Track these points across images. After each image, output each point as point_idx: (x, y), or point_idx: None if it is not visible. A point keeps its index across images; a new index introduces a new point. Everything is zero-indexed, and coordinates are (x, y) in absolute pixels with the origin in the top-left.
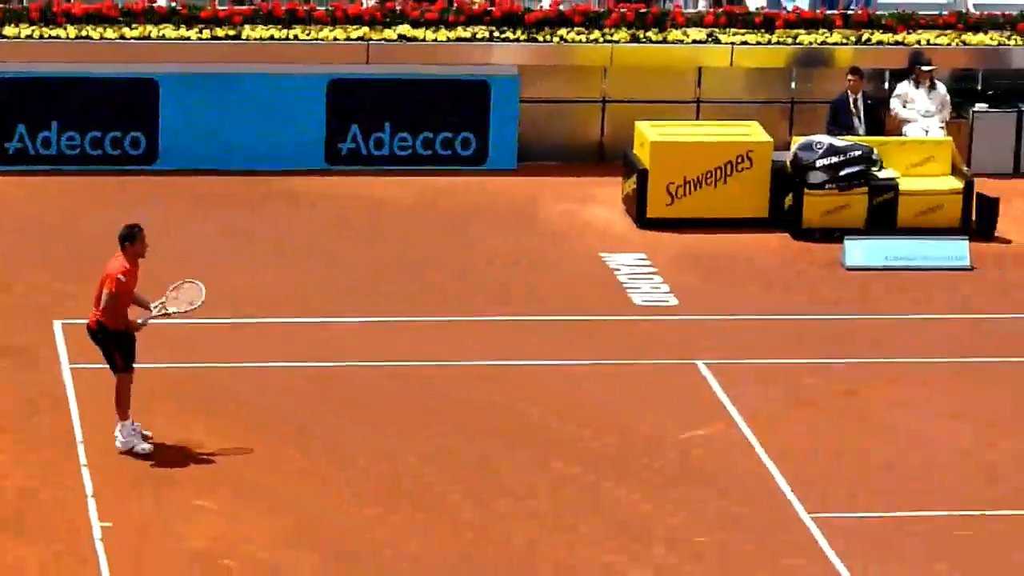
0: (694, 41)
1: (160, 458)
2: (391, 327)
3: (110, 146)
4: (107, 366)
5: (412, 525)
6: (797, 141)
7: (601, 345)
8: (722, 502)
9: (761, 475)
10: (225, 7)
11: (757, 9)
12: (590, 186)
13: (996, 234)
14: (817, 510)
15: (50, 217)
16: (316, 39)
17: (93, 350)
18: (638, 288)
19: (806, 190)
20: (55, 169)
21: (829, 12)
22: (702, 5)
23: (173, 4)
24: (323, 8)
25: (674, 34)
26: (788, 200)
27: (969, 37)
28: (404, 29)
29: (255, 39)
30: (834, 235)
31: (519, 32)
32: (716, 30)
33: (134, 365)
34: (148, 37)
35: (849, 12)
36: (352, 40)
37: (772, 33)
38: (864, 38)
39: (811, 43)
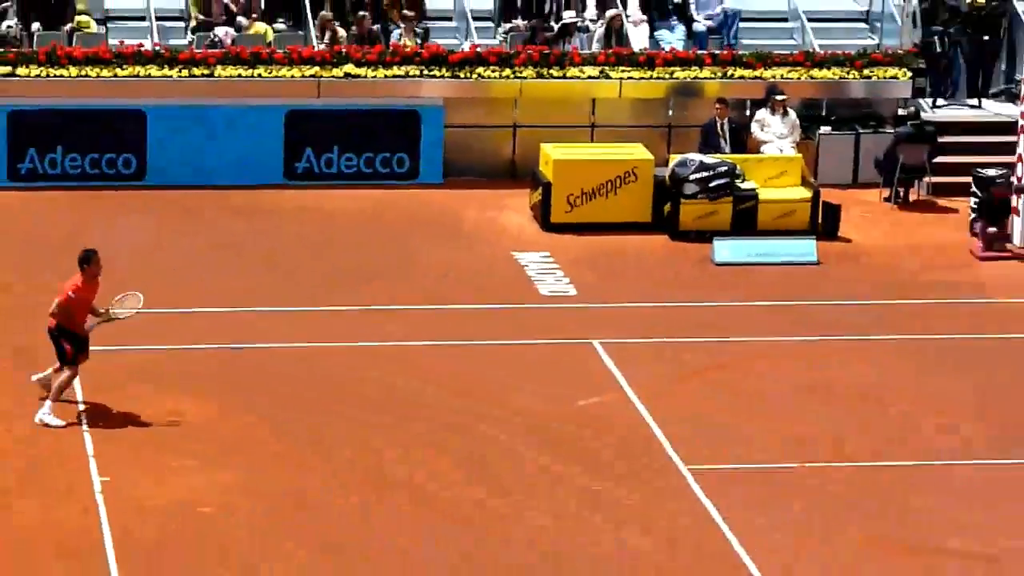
0: (589, 77)
1: (148, 426)
2: (306, 315)
3: (106, 166)
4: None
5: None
6: (674, 159)
7: (512, 328)
8: (614, 457)
9: (647, 435)
10: (201, 50)
11: (641, 50)
12: (504, 197)
13: (839, 235)
14: (693, 462)
15: (56, 226)
16: (276, 76)
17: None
18: (544, 281)
19: (682, 199)
20: (61, 185)
21: (700, 52)
22: (595, 47)
23: (158, 48)
24: (281, 51)
25: (572, 71)
26: (667, 208)
27: (815, 72)
28: (349, 68)
29: (225, 77)
30: (705, 236)
31: (444, 70)
32: (607, 67)
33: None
34: (137, 76)
35: (716, 52)
36: (306, 77)
37: (653, 69)
38: (729, 73)
39: (685, 77)
